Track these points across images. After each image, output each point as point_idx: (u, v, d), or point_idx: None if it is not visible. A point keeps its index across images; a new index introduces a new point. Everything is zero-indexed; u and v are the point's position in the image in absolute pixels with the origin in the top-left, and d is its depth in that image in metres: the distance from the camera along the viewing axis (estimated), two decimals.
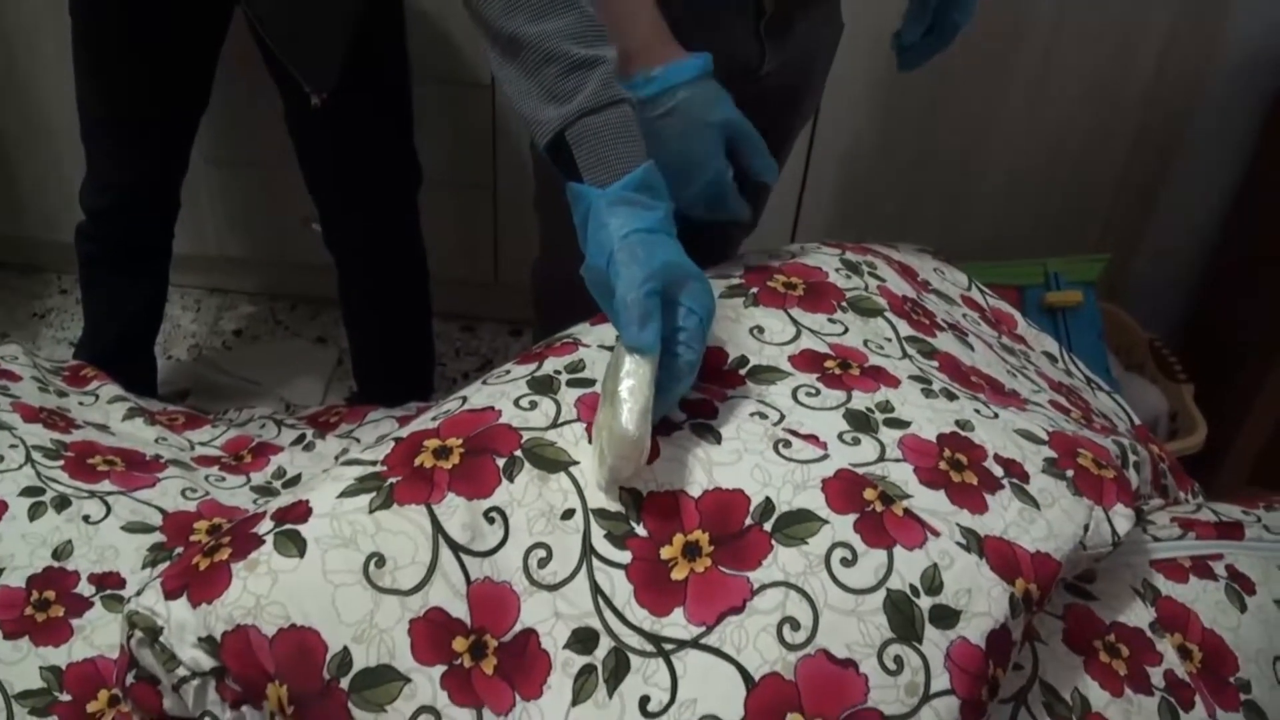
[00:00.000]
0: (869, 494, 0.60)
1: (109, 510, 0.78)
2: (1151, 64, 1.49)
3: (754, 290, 0.77)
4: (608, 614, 0.57)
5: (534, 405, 0.65)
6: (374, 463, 0.62)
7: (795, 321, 0.74)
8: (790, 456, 0.62)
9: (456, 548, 0.58)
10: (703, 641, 0.56)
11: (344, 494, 0.60)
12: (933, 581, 0.57)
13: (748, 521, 0.60)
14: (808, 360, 0.71)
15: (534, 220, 1.12)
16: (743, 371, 0.70)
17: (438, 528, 0.58)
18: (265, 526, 0.59)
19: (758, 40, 0.88)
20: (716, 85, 0.74)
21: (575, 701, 0.55)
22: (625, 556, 0.59)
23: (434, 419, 0.66)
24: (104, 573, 0.74)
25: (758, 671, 0.54)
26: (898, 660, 0.55)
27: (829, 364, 0.71)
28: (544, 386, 0.67)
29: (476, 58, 1.54)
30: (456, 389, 0.73)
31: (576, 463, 0.62)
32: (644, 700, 0.55)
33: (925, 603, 0.56)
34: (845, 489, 0.61)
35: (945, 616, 0.56)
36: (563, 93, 0.64)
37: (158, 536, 0.77)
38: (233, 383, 1.73)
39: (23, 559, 0.73)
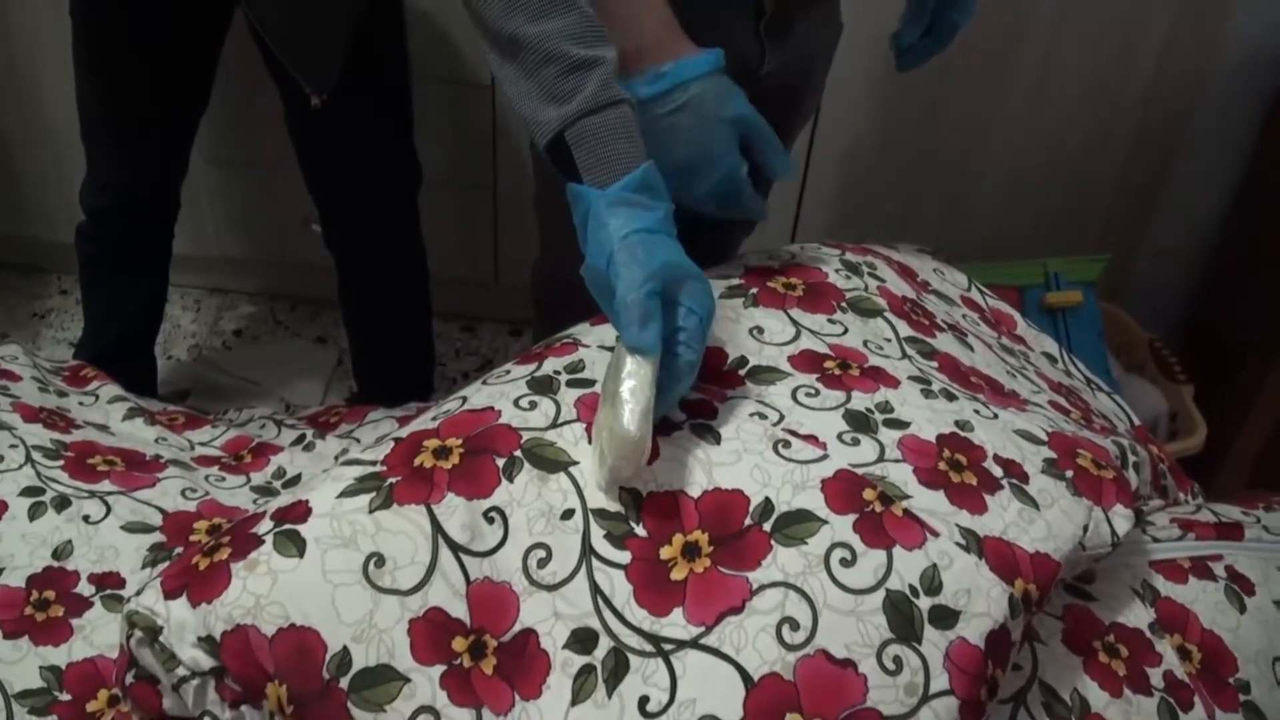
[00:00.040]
0: (868, 494, 0.60)
1: (109, 510, 0.78)
2: (1151, 64, 1.49)
3: (754, 291, 0.77)
4: (607, 614, 0.57)
5: (534, 405, 0.65)
6: (374, 463, 0.62)
7: (795, 322, 0.74)
8: (790, 457, 0.62)
9: (456, 548, 0.58)
10: (702, 642, 0.56)
11: (344, 494, 0.60)
12: (932, 582, 0.57)
13: (747, 522, 0.60)
14: (807, 361, 0.71)
15: (534, 220, 1.12)
16: (742, 372, 0.70)
17: (437, 528, 0.58)
18: (265, 526, 0.59)
19: (758, 40, 0.88)
20: (729, 81, 0.73)
21: (575, 701, 0.55)
22: (625, 557, 0.59)
23: (434, 419, 0.66)
24: (104, 572, 0.74)
25: (757, 672, 0.54)
26: (897, 660, 0.55)
27: (828, 364, 0.71)
28: (544, 387, 0.67)
29: (477, 58, 1.54)
30: (456, 389, 0.73)
31: (576, 463, 0.62)
32: (643, 700, 0.55)
33: (924, 603, 0.56)
34: (845, 489, 0.61)
35: (944, 617, 0.56)
36: (562, 93, 0.64)
37: (157, 536, 0.77)
38: (233, 383, 1.73)
39: (23, 559, 0.74)
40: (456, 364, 1.82)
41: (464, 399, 0.68)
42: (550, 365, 0.69)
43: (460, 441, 0.63)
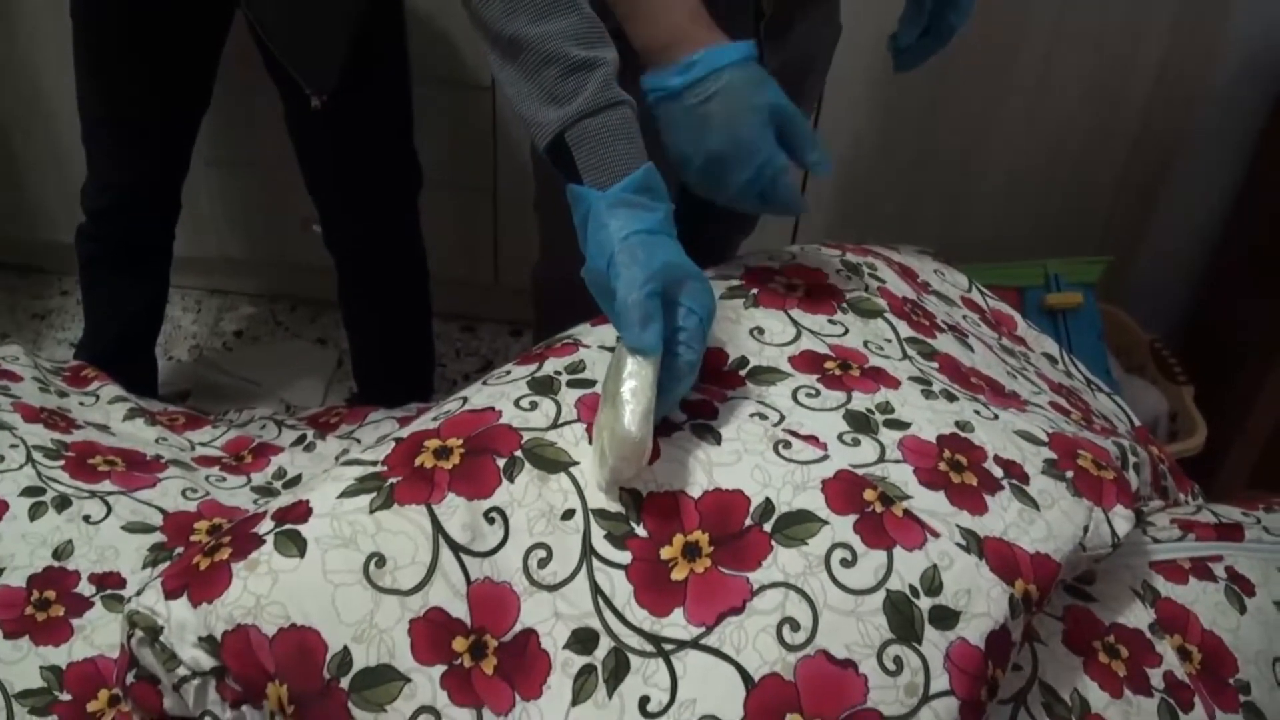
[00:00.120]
0: (869, 495, 0.60)
1: (109, 510, 0.78)
2: (1152, 64, 1.49)
3: (754, 291, 0.77)
4: (607, 614, 0.57)
5: (534, 406, 0.65)
6: (374, 463, 0.62)
7: (795, 322, 0.74)
8: (790, 457, 0.63)
9: (457, 548, 0.58)
10: (702, 642, 0.56)
11: (344, 494, 0.60)
12: (932, 582, 0.57)
13: (747, 522, 0.60)
14: (808, 361, 0.71)
15: (534, 222, 1.13)
16: (743, 372, 0.70)
17: (438, 528, 0.58)
18: (265, 526, 0.59)
19: (757, 41, 0.88)
20: (762, 70, 0.72)
21: (575, 701, 0.55)
22: (625, 557, 0.59)
23: (434, 419, 0.66)
24: (104, 572, 0.74)
25: (757, 672, 0.54)
26: (897, 661, 0.55)
27: (829, 365, 0.71)
28: (544, 387, 0.67)
29: (477, 59, 1.54)
30: (457, 390, 0.73)
31: (577, 463, 0.62)
32: (644, 700, 0.55)
33: (925, 603, 0.56)
34: (845, 490, 0.61)
35: (945, 617, 0.56)
36: (562, 94, 0.64)
37: (158, 536, 0.77)
38: (233, 383, 1.73)
39: (23, 559, 0.74)
40: (457, 365, 1.82)
41: (465, 399, 0.68)
42: (551, 366, 0.69)
43: (461, 442, 0.63)
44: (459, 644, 0.56)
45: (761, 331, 0.73)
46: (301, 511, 0.59)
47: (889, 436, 0.65)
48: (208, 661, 0.55)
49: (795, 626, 0.55)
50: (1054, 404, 0.76)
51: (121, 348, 1.43)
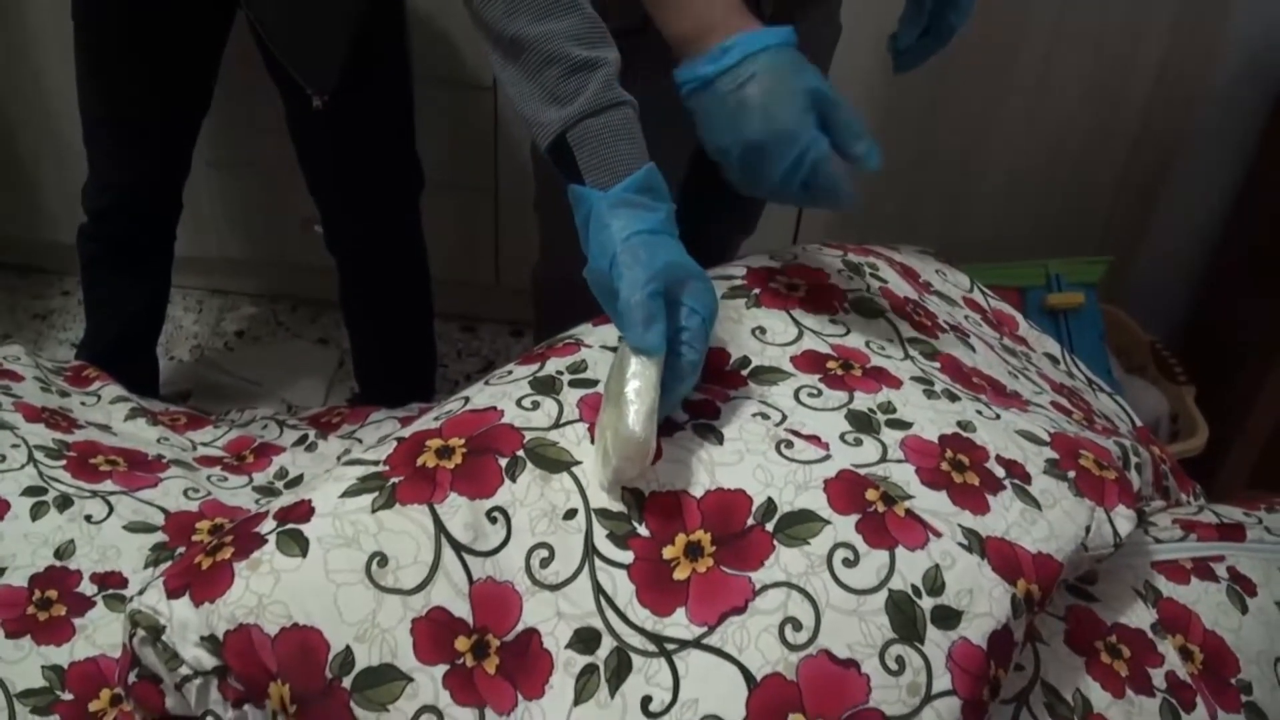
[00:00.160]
0: (871, 494, 0.60)
1: (111, 510, 0.78)
2: (1152, 64, 1.49)
3: (756, 291, 0.77)
4: (610, 614, 0.57)
5: (536, 405, 0.65)
6: (376, 462, 0.62)
7: (797, 322, 0.75)
8: (792, 457, 0.63)
9: (459, 547, 0.58)
10: (705, 641, 0.56)
11: (346, 493, 0.60)
12: (934, 582, 0.57)
13: (750, 522, 0.60)
14: (810, 361, 0.71)
15: (535, 222, 1.13)
16: (745, 372, 0.70)
17: (440, 527, 0.58)
18: (268, 526, 0.59)
19: None
20: (800, 56, 0.69)
21: (577, 701, 0.55)
22: (627, 556, 0.59)
23: (436, 419, 0.66)
24: (106, 572, 0.74)
25: (759, 672, 0.54)
26: (899, 660, 0.55)
27: (831, 365, 0.71)
28: (546, 387, 0.67)
29: (478, 59, 1.54)
30: (458, 390, 0.73)
31: (579, 463, 0.62)
32: (646, 700, 0.55)
33: (927, 603, 0.56)
34: (847, 489, 0.61)
35: (947, 617, 0.56)
36: (564, 94, 0.64)
37: (160, 536, 0.77)
38: (234, 384, 1.73)
39: (25, 558, 0.74)
40: (458, 365, 1.82)
41: (466, 399, 0.68)
42: (553, 365, 0.69)
43: (463, 441, 0.63)
44: (461, 643, 0.56)
45: (763, 331, 0.73)
46: (303, 511, 0.59)
47: (891, 436, 0.65)
48: (210, 661, 0.55)
49: (797, 626, 0.55)
50: (1056, 404, 0.76)
51: (122, 348, 1.43)
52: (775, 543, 0.58)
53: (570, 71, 0.64)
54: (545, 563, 0.59)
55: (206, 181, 1.66)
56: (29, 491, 0.77)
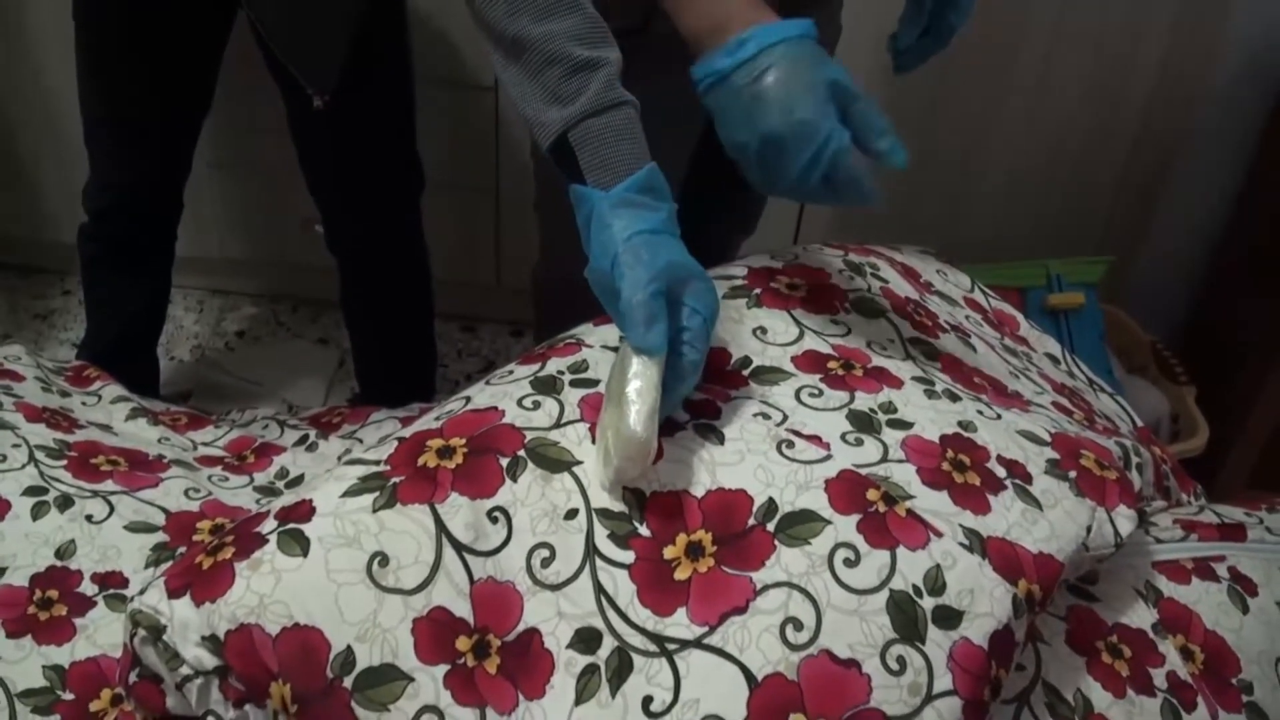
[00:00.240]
0: (872, 494, 0.60)
1: (112, 510, 0.78)
2: (1152, 64, 1.49)
3: (757, 291, 0.77)
4: (611, 614, 0.57)
5: (537, 405, 0.65)
6: (377, 462, 0.62)
7: (798, 322, 0.75)
8: (793, 457, 0.63)
9: (460, 547, 0.58)
10: (705, 641, 0.56)
11: (347, 493, 0.60)
12: (935, 582, 0.57)
13: (751, 522, 0.60)
14: (811, 361, 0.71)
15: (535, 222, 1.13)
16: (746, 372, 0.70)
17: (441, 527, 0.58)
18: (268, 526, 0.59)
19: None
20: (821, 49, 0.67)
21: (578, 701, 0.55)
22: (628, 556, 0.59)
23: (437, 419, 0.66)
24: (107, 572, 0.74)
25: (760, 672, 0.54)
26: (900, 660, 0.55)
27: (832, 365, 0.71)
28: (547, 387, 0.67)
29: (478, 59, 1.54)
30: (458, 390, 0.73)
31: (580, 463, 0.62)
32: (647, 700, 0.55)
33: (928, 603, 0.56)
34: (848, 489, 0.61)
35: (948, 617, 0.56)
36: (566, 94, 0.64)
37: (160, 536, 0.77)
38: (235, 384, 1.73)
39: (25, 558, 0.74)
40: (458, 365, 1.82)
41: (467, 399, 0.68)
42: (554, 365, 0.69)
43: (464, 441, 0.63)
44: (462, 643, 0.56)
45: (764, 331, 0.73)
46: (304, 511, 0.59)
47: (892, 436, 0.65)
48: (211, 661, 0.55)
49: (798, 626, 0.55)
50: (1056, 404, 0.76)
51: (122, 348, 1.43)
52: (776, 543, 0.58)
53: (572, 71, 0.64)
54: (546, 562, 0.59)
55: (207, 182, 1.66)
56: (30, 491, 0.77)
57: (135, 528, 0.77)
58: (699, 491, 0.61)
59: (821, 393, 0.68)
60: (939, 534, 0.59)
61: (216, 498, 0.83)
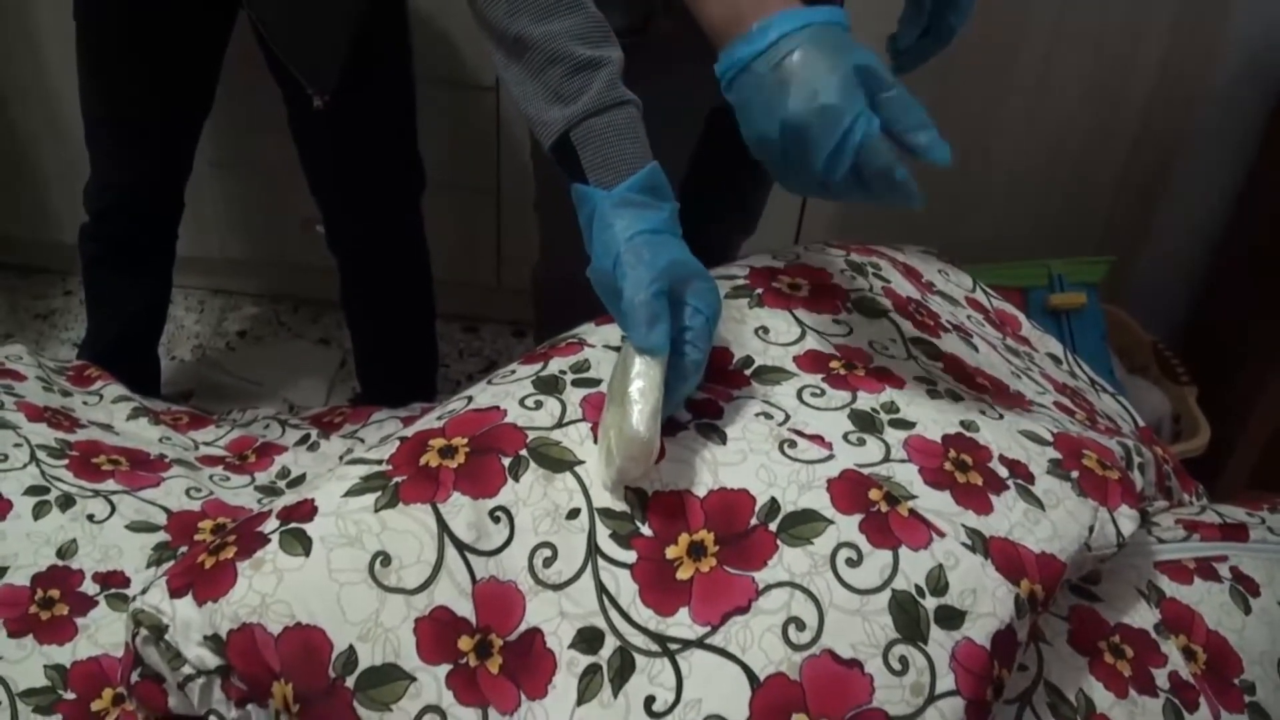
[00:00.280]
0: (874, 494, 0.60)
1: (113, 509, 0.78)
2: (1152, 64, 1.49)
3: (759, 291, 0.77)
4: (613, 614, 0.57)
5: (539, 405, 0.65)
6: (379, 462, 0.62)
7: (800, 322, 0.74)
8: (795, 457, 0.63)
9: (462, 547, 0.58)
10: (708, 641, 0.56)
11: (349, 493, 0.60)
12: (938, 582, 0.57)
13: (753, 521, 0.60)
14: (813, 361, 0.71)
15: (536, 222, 1.13)
16: (748, 372, 0.70)
17: (443, 527, 0.58)
18: (270, 525, 0.59)
19: None
20: (848, 36, 0.63)
21: (580, 701, 0.55)
22: (630, 556, 0.59)
23: (439, 418, 0.66)
24: (108, 571, 0.74)
25: (763, 671, 0.54)
26: (903, 660, 0.55)
27: (834, 364, 0.71)
28: (549, 386, 0.67)
29: (479, 59, 1.54)
30: (460, 390, 0.73)
31: (582, 462, 0.62)
32: (649, 700, 0.55)
33: (930, 603, 0.56)
34: (850, 489, 0.61)
35: (950, 617, 0.56)
36: (567, 94, 0.64)
37: (162, 535, 0.77)
38: (236, 383, 1.73)
39: (27, 558, 0.73)
40: (460, 365, 1.82)
41: (469, 398, 0.68)
42: (556, 365, 0.69)
43: (466, 441, 0.63)
44: (464, 643, 0.56)
45: (766, 331, 0.73)
46: (306, 510, 0.59)
47: (894, 436, 0.65)
48: (213, 660, 0.55)
49: (801, 626, 0.55)
50: (1058, 404, 0.76)
51: (123, 347, 1.43)
52: (778, 542, 0.58)
53: (574, 70, 0.64)
54: (548, 562, 0.59)
55: (208, 182, 1.66)
56: (31, 491, 0.77)
57: (137, 527, 0.77)
58: (701, 491, 0.61)
59: (823, 392, 0.68)
60: (941, 534, 0.59)
61: (218, 497, 0.83)
